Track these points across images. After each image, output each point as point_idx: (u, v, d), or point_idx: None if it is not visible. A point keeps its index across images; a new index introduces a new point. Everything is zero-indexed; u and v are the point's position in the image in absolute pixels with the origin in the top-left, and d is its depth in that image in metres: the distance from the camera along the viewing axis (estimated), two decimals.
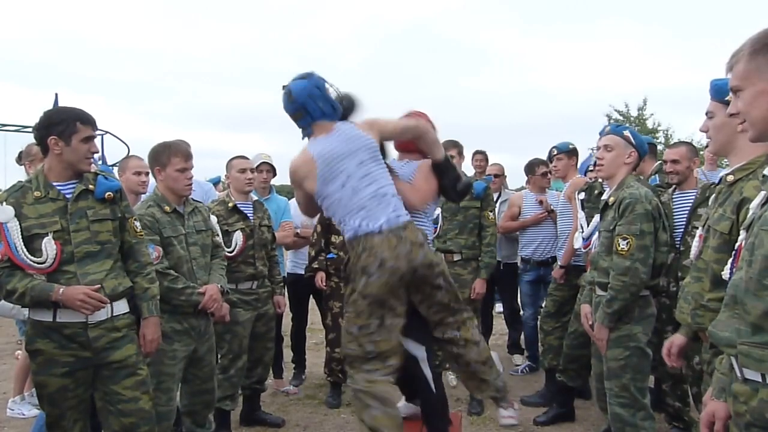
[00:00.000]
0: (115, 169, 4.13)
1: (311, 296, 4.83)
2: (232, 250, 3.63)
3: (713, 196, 2.08)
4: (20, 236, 2.34)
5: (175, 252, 3.00)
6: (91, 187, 2.50)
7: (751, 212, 1.53)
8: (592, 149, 4.12)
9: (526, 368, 5.16)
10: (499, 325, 6.01)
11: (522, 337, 5.43)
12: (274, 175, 4.62)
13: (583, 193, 3.97)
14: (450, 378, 4.75)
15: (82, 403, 2.53)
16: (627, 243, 2.78)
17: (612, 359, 2.88)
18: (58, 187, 2.45)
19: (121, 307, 2.54)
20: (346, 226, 2.43)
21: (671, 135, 22.30)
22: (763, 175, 1.53)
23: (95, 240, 2.46)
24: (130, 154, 4.41)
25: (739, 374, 1.42)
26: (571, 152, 4.54)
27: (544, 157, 5.01)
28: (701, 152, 6.68)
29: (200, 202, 3.41)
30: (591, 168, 4.61)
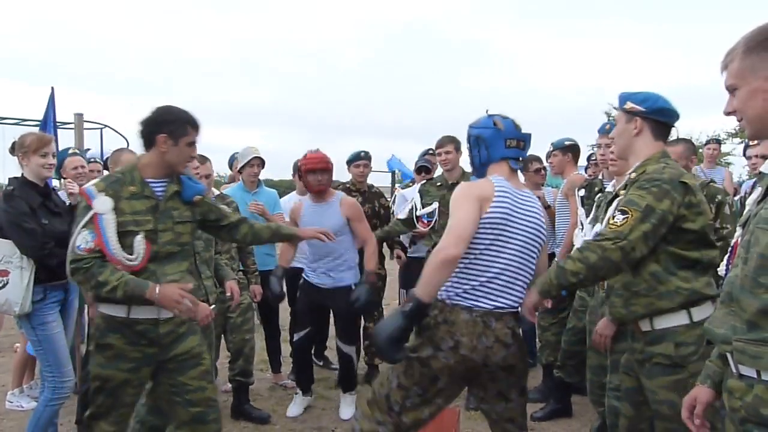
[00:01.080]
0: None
1: None
2: None
3: (618, 200, 2.22)
4: (115, 230, 2.33)
5: None
6: (178, 188, 2.51)
7: (746, 209, 1.54)
8: (592, 146, 4.12)
9: None
10: None
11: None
12: (262, 166, 4.63)
13: (583, 190, 3.97)
14: None
15: (135, 400, 2.56)
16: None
17: (618, 352, 2.88)
18: (152, 185, 2.45)
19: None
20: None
21: (671, 133, 22.28)
22: (760, 172, 1.54)
23: (177, 241, 2.49)
24: (127, 148, 4.40)
25: (734, 370, 1.43)
26: (566, 148, 4.52)
27: (543, 154, 5.02)
28: (699, 150, 6.69)
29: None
30: (593, 162, 4.62)
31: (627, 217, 2.01)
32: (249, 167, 4.50)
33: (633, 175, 2.19)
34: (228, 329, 3.96)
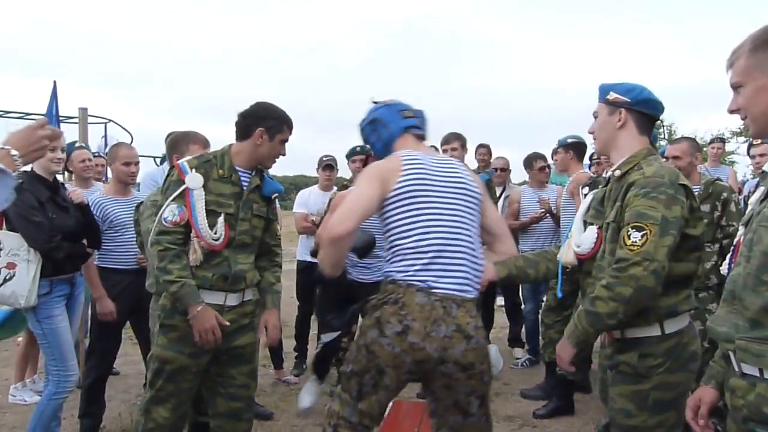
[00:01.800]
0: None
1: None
2: None
3: (606, 195, 2.09)
4: (204, 207, 2.40)
5: None
6: (259, 183, 2.58)
7: (749, 208, 1.54)
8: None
9: (527, 361, 5.17)
10: (500, 318, 6.02)
11: (523, 330, 5.44)
12: None
13: (587, 188, 3.96)
14: None
15: (193, 389, 2.57)
16: (609, 226, 2.76)
17: None
18: (239, 173, 2.53)
19: (250, 293, 2.62)
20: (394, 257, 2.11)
21: (674, 131, 22.27)
22: (763, 171, 1.54)
23: (252, 233, 2.57)
24: (125, 142, 4.41)
25: (737, 369, 1.43)
26: (569, 146, 4.50)
27: (547, 151, 5.02)
28: (704, 149, 6.68)
29: None
30: (596, 161, 4.61)
31: (645, 234, 1.83)
32: None
33: (617, 172, 2.04)
34: None
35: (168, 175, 2.53)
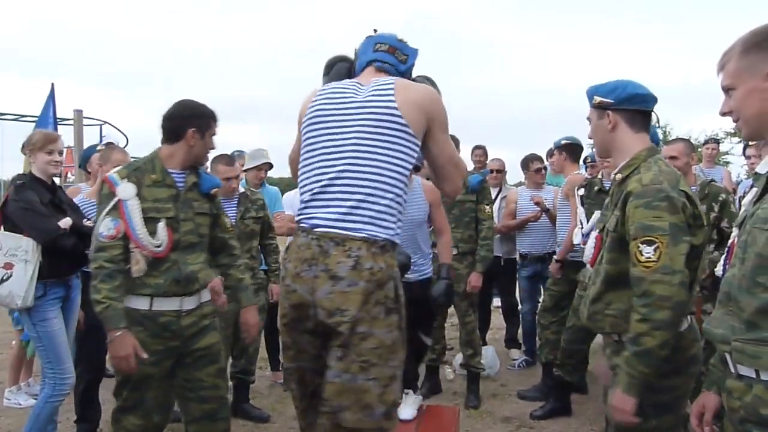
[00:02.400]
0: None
1: None
2: None
3: (608, 199, 2.05)
4: (141, 216, 2.37)
5: None
6: (196, 180, 2.56)
7: (743, 209, 1.54)
8: (591, 146, 4.12)
9: (523, 362, 5.18)
10: (497, 319, 6.03)
11: (519, 331, 5.45)
12: (270, 168, 4.63)
13: (582, 189, 3.98)
14: (447, 372, 4.78)
15: (160, 393, 2.54)
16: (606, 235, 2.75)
17: None
18: (173, 175, 2.51)
19: (206, 294, 2.62)
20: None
21: (669, 132, 22.36)
22: (755, 173, 1.53)
23: (197, 232, 2.54)
24: (118, 145, 4.39)
25: (733, 370, 1.43)
26: (562, 147, 4.51)
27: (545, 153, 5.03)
28: (699, 149, 6.70)
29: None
30: (590, 164, 4.63)
31: (658, 247, 1.76)
32: (257, 170, 4.47)
33: (618, 176, 1.99)
34: (236, 327, 3.91)
35: (100, 191, 2.50)
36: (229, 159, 3.89)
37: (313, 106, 1.96)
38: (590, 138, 2.17)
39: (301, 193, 1.92)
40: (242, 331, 2.69)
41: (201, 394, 2.53)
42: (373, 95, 1.89)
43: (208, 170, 3.14)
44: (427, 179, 3.30)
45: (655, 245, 1.77)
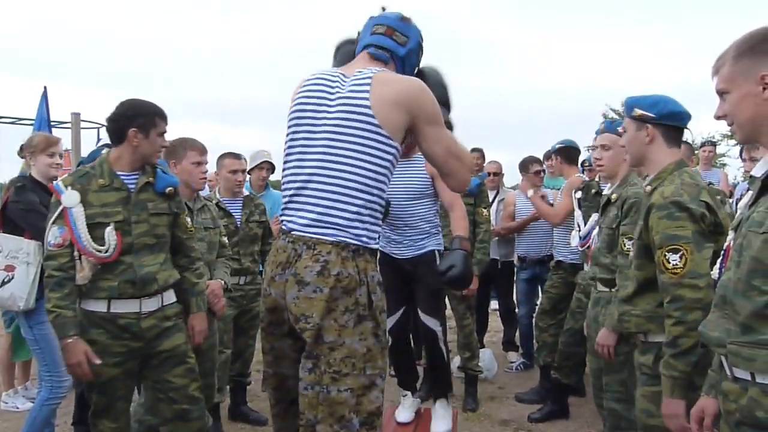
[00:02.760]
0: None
1: None
2: None
3: (636, 209, 2.21)
4: (85, 223, 2.37)
5: None
6: (151, 180, 2.54)
7: (738, 212, 1.55)
8: (588, 148, 4.13)
9: (521, 365, 5.18)
10: (494, 322, 6.03)
11: (517, 334, 5.45)
12: (272, 171, 4.61)
13: (579, 192, 3.98)
14: None
15: (130, 393, 2.57)
16: (633, 243, 2.77)
17: (615, 354, 2.88)
18: (122, 177, 2.49)
19: (171, 296, 2.59)
20: None
21: None
22: (751, 176, 1.54)
23: (153, 233, 2.52)
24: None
25: (728, 373, 1.44)
26: (557, 151, 4.54)
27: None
28: (696, 152, 6.71)
29: (209, 200, 3.42)
30: (587, 167, 4.64)
31: (683, 254, 1.89)
32: (258, 170, 4.47)
33: (648, 188, 2.09)
34: (234, 331, 3.91)
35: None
36: (235, 154, 3.92)
37: (296, 100, 1.90)
38: (622, 146, 2.32)
39: (282, 194, 1.90)
40: (188, 336, 2.66)
41: (171, 396, 2.53)
42: (349, 91, 1.81)
43: (179, 168, 3.08)
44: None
45: (681, 252, 1.89)
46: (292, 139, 1.88)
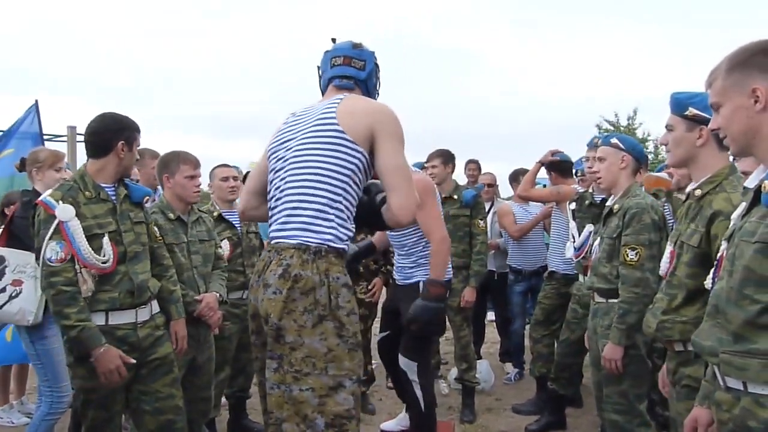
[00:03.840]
0: None
1: None
2: None
3: (683, 211, 2.09)
4: (83, 235, 2.37)
5: (176, 259, 3.02)
6: (126, 191, 2.59)
7: (732, 223, 1.57)
8: (581, 159, 4.17)
9: (517, 375, 5.19)
10: (491, 333, 6.04)
11: None
12: None
13: (573, 203, 4.01)
14: (442, 386, 4.77)
15: (123, 406, 2.57)
16: (636, 253, 2.74)
17: None
18: (106, 189, 2.52)
19: (156, 305, 2.64)
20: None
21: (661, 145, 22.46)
22: (744, 187, 1.56)
23: (139, 241, 2.57)
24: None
25: (721, 383, 1.45)
26: (549, 166, 4.58)
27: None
28: None
29: (205, 213, 3.43)
30: (580, 179, 4.68)
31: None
32: None
33: (698, 192, 1.99)
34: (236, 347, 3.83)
35: (35, 215, 2.44)
36: (225, 164, 3.96)
37: (275, 135, 2.06)
38: (663, 144, 2.15)
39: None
40: (172, 342, 2.70)
41: (157, 406, 2.53)
42: (319, 112, 1.96)
43: (173, 182, 3.13)
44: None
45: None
46: (273, 170, 2.00)
